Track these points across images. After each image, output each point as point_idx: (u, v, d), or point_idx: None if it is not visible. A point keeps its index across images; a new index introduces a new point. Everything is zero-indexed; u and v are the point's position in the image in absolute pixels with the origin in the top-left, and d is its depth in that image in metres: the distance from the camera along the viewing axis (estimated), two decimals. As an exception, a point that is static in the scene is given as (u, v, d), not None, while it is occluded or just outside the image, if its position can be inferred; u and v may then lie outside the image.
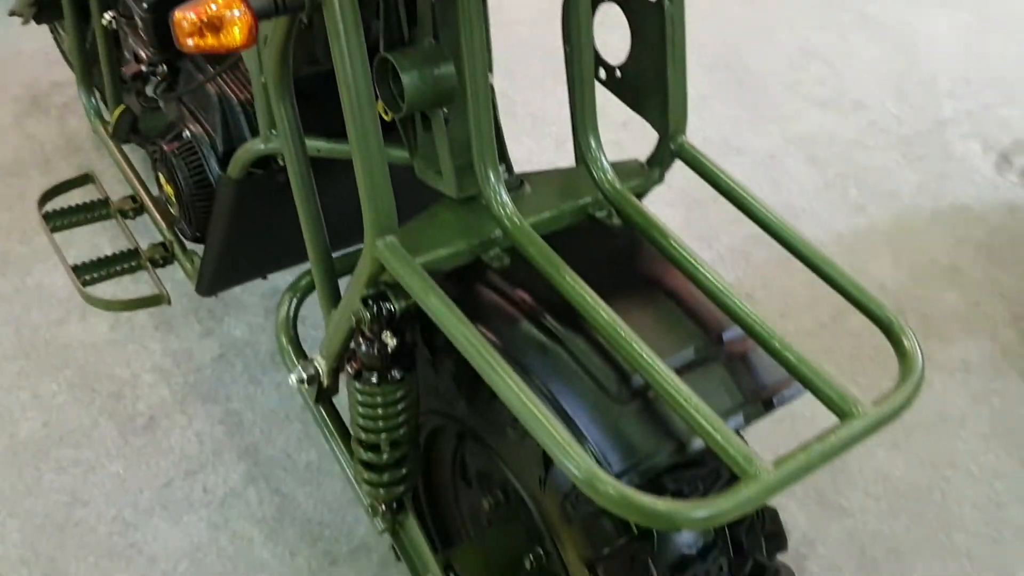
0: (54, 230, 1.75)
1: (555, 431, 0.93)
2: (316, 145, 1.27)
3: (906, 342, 1.05)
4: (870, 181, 2.69)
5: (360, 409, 1.20)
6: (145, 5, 1.55)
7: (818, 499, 1.90)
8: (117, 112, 1.76)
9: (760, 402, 1.07)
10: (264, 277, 1.71)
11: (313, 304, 1.40)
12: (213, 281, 1.59)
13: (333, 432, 1.37)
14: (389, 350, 1.14)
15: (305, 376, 1.32)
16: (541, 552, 1.33)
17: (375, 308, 1.12)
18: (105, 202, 1.77)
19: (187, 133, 1.58)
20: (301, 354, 1.42)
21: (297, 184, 1.19)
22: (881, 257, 2.44)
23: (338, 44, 0.96)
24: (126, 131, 1.75)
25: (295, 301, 1.44)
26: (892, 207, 2.61)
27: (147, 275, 1.71)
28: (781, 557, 1.19)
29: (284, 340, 1.42)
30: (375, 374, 1.16)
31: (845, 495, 1.91)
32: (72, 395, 2.00)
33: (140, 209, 1.77)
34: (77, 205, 1.78)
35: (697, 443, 1.02)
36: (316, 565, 1.76)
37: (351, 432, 1.25)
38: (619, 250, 1.21)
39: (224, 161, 1.55)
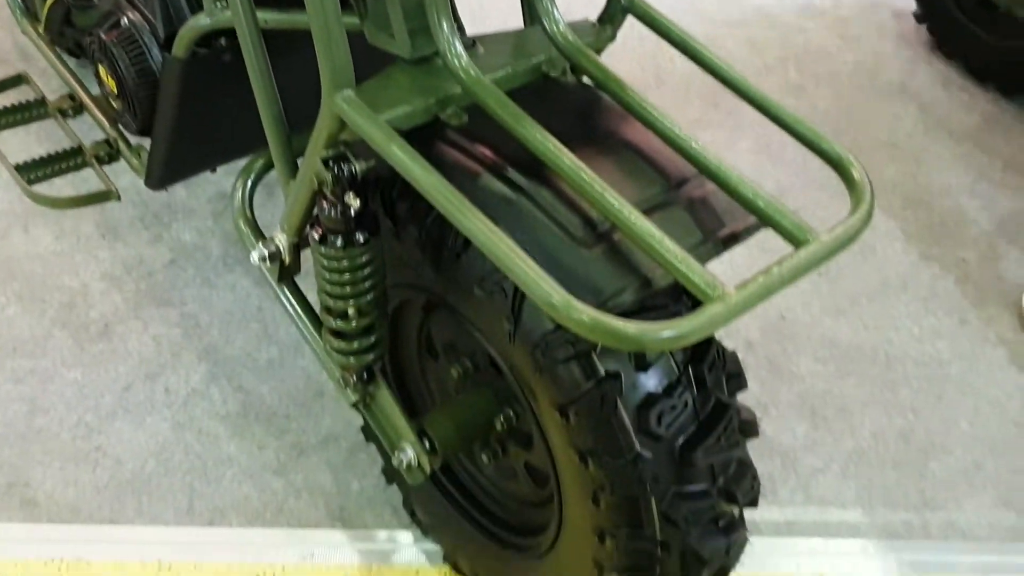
0: (-8, 129, 1.70)
1: (527, 266, 0.95)
2: (265, 16, 1.25)
3: (855, 174, 1.09)
4: (809, 63, 2.73)
5: (327, 275, 1.20)
6: None
7: (769, 367, 1.97)
8: (48, 4, 1.70)
9: (720, 239, 1.10)
10: (213, 170, 1.69)
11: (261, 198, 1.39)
12: (163, 173, 1.57)
13: (299, 311, 1.37)
14: (353, 212, 1.14)
15: (267, 253, 1.32)
16: (512, 413, 1.36)
17: (336, 169, 1.11)
18: (42, 102, 1.73)
19: (125, 21, 1.54)
20: (260, 235, 1.41)
21: (250, 55, 1.17)
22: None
23: None
24: (59, 25, 1.70)
25: (250, 183, 1.43)
26: (831, 87, 2.66)
27: (93, 174, 1.68)
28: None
29: (242, 224, 1.41)
30: (340, 237, 1.17)
31: (794, 361, 1.98)
32: (22, 307, 1.97)
33: (79, 108, 1.72)
34: (12, 106, 1.73)
35: (662, 279, 1.05)
36: (284, 456, 1.78)
37: (319, 301, 1.26)
38: (576, 105, 1.22)
39: (167, 47, 1.52)
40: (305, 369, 1.90)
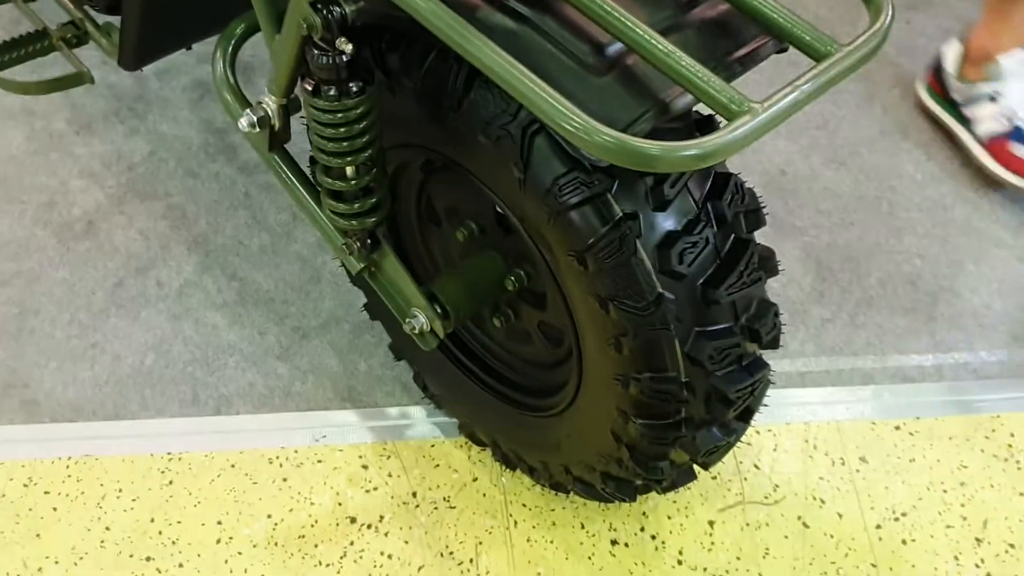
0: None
1: (544, 91, 0.90)
2: None
3: (876, -17, 1.03)
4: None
5: (323, 131, 1.14)
6: None
7: (772, 223, 1.93)
8: None
9: (739, 59, 1.05)
10: (189, 47, 1.60)
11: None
12: (137, 51, 1.48)
13: (293, 179, 1.31)
14: (345, 58, 1.07)
15: (255, 118, 1.25)
16: (523, 272, 1.32)
17: (326, 11, 1.04)
18: (42, 32, 1.62)
19: None
20: (247, 103, 1.34)
21: None
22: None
23: None
24: None
25: (230, 49, 1.35)
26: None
27: (61, 59, 1.59)
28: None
29: (226, 93, 1.34)
30: (333, 87, 1.10)
31: (797, 215, 1.95)
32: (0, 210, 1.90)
33: (84, 35, 1.62)
34: (6, 43, 1.62)
35: (681, 100, 1.00)
36: (287, 341, 1.74)
37: (317, 161, 1.20)
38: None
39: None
40: (299, 254, 1.85)
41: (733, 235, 1.13)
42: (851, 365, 1.73)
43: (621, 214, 1.06)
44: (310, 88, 1.11)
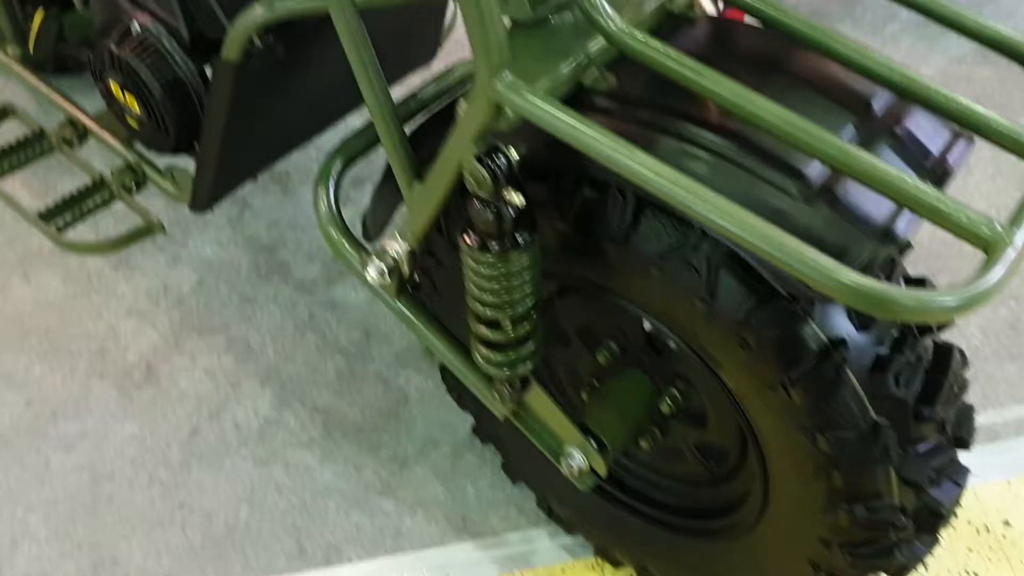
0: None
1: (765, 228, 0.81)
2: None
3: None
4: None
5: (484, 283, 1.05)
6: None
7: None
8: (36, 22, 1.46)
9: (941, 166, 0.98)
10: (255, 178, 1.49)
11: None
12: (213, 190, 1.37)
13: (425, 325, 1.21)
14: (515, 211, 0.98)
15: (386, 267, 1.16)
16: (676, 392, 1.23)
17: (492, 163, 0.95)
18: (40, 135, 1.50)
19: (136, 27, 1.33)
20: (358, 244, 1.24)
21: (352, 43, 1.00)
22: None
23: None
24: (51, 44, 1.47)
25: (332, 187, 1.25)
26: None
27: (124, 206, 1.47)
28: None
29: (334, 232, 1.24)
30: (499, 241, 1.01)
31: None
32: (48, 365, 1.76)
33: (84, 134, 1.50)
34: (8, 146, 1.49)
35: (903, 226, 0.92)
36: (386, 473, 1.63)
37: (471, 310, 1.10)
38: (727, 41, 1.08)
39: (193, 49, 1.32)
40: (379, 374, 1.74)
41: (933, 343, 1.06)
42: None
43: (828, 342, 0.98)
44: (474, 244, 1.01)
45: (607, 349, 1.26)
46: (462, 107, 0.96)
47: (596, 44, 1.01)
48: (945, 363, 1.04)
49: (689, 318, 1.04)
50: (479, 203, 0.99)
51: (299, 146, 1.46)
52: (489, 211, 0.98)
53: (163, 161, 1.51)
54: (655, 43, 0.95)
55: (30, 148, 1.49)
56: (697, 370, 1.15)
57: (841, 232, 0.91)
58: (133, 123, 1.41)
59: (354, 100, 1.52)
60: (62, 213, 1.44)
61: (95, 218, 1.57)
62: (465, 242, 1.02)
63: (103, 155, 1.52)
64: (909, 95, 0.98)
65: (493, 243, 1.01)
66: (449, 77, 1.39)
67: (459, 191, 1.02)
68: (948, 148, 0.99)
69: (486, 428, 1.50)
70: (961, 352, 1.10)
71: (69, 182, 1.54)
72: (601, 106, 1.01)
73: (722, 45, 1.07)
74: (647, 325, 1.21)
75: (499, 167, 0.96)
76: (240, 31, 1.15)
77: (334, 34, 1.22)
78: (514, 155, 0.97)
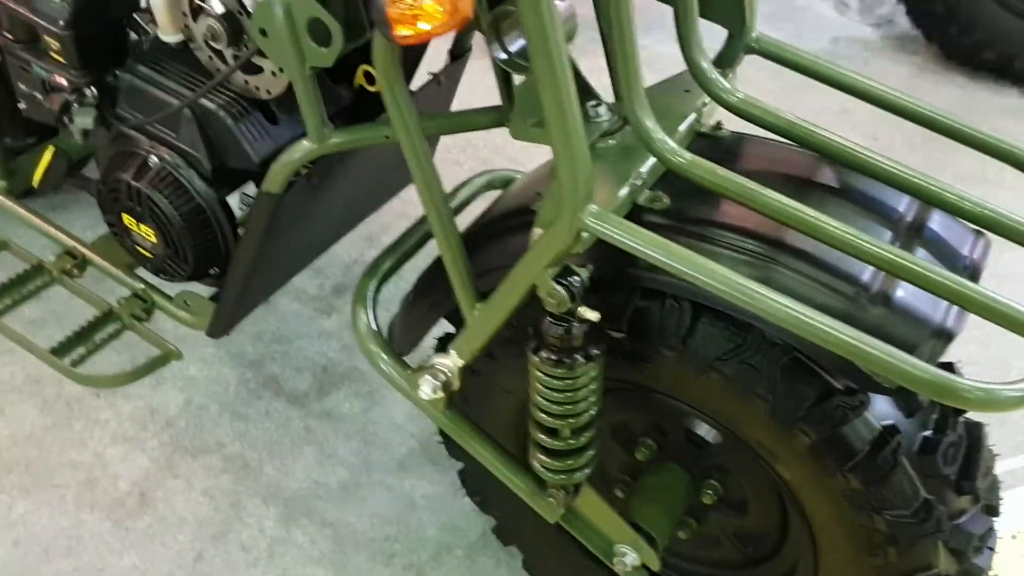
0: (1, 313, 1.43)
1: (856, 335, 0.89)
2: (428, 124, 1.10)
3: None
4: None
5: (551, 395, 1.09)
6: (61, 23, 1.27)
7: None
8: (47, 157, 1.45)
9: (969, 267, 1.08)
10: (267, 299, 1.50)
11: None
12: (235, 314, 1.38)
13: (474, 438, 1.24)
14: (589, 326, 1.03)
15: (440, 383, 1.18)
16: (716, 483, 1.29)
17: (568, 283, 1.01)
18: (39, 268, 1.47)
19: (154, 160, 1.33)
20: (403, 361, 1.27)
21: (417, 164, 1.04)
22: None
23: (539, 22, 0.83)
24: (59, 178, 1.45)
25: (370, 304, 1.28)
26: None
27: (135, 335, 1.45)
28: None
29: (377, 348, 1.26)
30: (570, 355, 1.05)
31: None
32: (33, 500, 1.69)
33: (83, 264, 1.48)
34: (8, 281, 1.45)
35: (952, 321, 1.01)
36: (403, 582, 1.62)
37: (534, 419, 1.13)
38: (755, 155, 1.16)
39: (213, 180, 1.33)
40: (383, 482, 1.74)
41: (965, 420, 1.15)
42: None
43: (882, 429, 1.06)
44: (550, 359, 1.06)
45: (645, 446, 1.30)
46: (536, 234, 1.01)
47: (647, 165, 1.08)
48: (979, 439, 1.14)
49: (746, 415, 1.11)
50: (553, 320, 1.03)
51: (310, 262, 1.48)
52: (564, 328, 1.03)
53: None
54: (703, 162, 1.03)
55: (31, 282, 1.46)
56: (742, 461, 1.21)
57: (904, 329, 0.99)
58: (145, 253, 1.41)
59: (366, 211, 1.56)
60: (74, 347, 1.41)
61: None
62: (537, 357, 1.06)
63: (105, 282, 1.50)
64: (926, 198, 1.08)
65: (566, 357, 1.05)
66: (472, 186, 1.45)
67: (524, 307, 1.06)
68: (973, 247, 1.09)
69: (510, 530, 1.52)
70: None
71: (69, 310, 1.49)
72: (659, 223, 1.08)
73: (754, 160, 1.16)
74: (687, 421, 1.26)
75: (575, 286, 1.01)
76: (287, 165, 1.18)
77: (358, 155, 1.27)
78: (585, 274, 1.02)
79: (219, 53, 1.26)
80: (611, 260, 1.07)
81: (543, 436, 1.14)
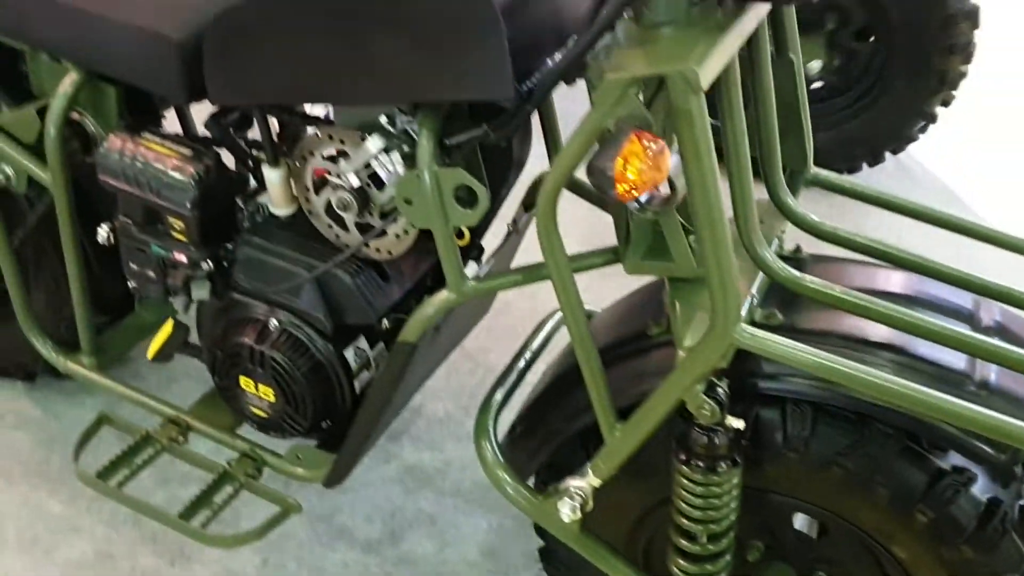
0: (120, 486, 1.47)
1: (998, 416, 1.04)
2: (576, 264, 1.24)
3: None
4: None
5: (695, 500, 1.20)
6: (188, 204, 1.39)
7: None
8: (167, 330, 1.52)
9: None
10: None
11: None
12: (352, 463, 1.46)
13: (609, 552, 1.33)
14: (736, 434, 1.16)
15: (578, 505, 1.28)
16: (823, 574, 1.40)
17: (715, 395, 1.14)
18: (147, 438, 1.52)
19: (274, 323, 1.43)
20: (532, 488, 1.36)
21: (566, 299, 1.17)
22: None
23: (698, 164, 0.99)
24: (176, 349, 1.53)
25: (491, 430, 1.38)
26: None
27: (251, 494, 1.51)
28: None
29: (502, 473, 1.36)
30: (716, 463, 1.18)
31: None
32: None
33: (187, 429, 1.55)
34: (118, 456, 1.50)
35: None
36: None
37: (677, 524, 1.24)
38: (838, 272, 1.33)
39: (334, 336, 1.43)
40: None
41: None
42: None
43: (987, 501, 1.20)
44: (696, 467, 1.17)
45: (755, 548, 1.41)
46: (680, 355, 1.14)
47: (756, 284, 1.23)
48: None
49: (866, 503, 1.23)
50: (700, 431, 1.16)
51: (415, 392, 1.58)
52: (712, 437, 1.15)
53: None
54: (814, 279, 1.20)
55: (140, 453, 1.51)
56: (850, 549, 1.32)
57: (1004, 405, 1.15)
58: (260, 412, 1.48)
59: (453, 347, 1.67)
60: (199, 510, 1.46)
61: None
62: (686, 466, 1.18)
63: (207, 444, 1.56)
64: (991, 295, 1.26)
65: (713, 465, 1.17)
66: (545, 328, 1.58)
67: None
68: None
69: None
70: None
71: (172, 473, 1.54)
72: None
73: (838, 274, 1.32)
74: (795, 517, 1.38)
75: (721, 398, 1.14)
76: (428, 317, 1.29)
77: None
78: (725, 385, 1.15)
79: (339, 221, 1.39)
80: (730, 372, 1.20)
81: (686, 542, 1.25)
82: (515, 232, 1.62)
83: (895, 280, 1.30)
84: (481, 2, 1.07)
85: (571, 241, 1.16)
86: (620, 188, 0.93)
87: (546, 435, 1.40)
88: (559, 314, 1.64)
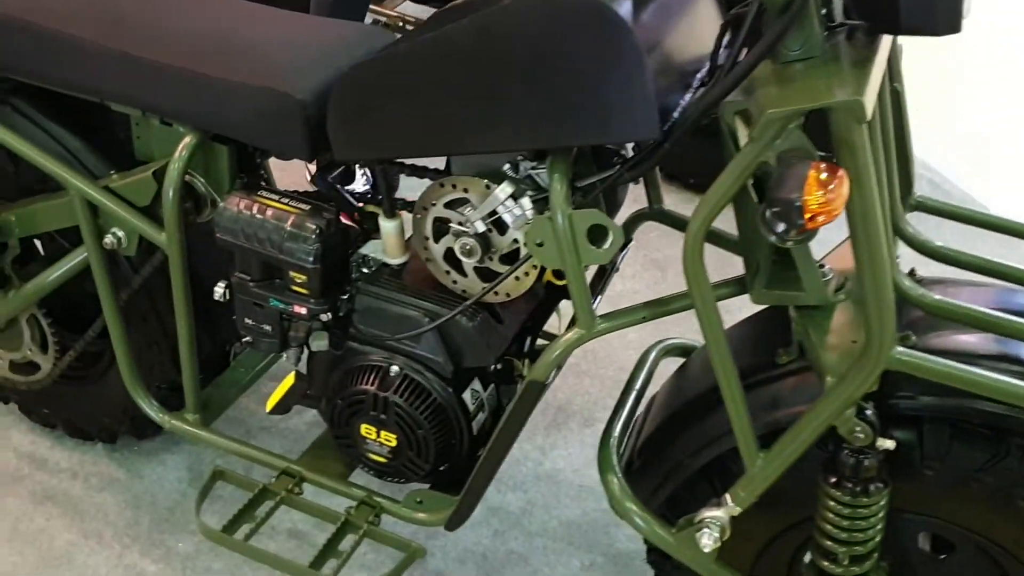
0: (247, 539, 1.48)
1: None
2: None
3: None
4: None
5: (842, 522, 1.23)
6: (311, 259, 1.41)
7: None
8: (288, 382, 1.54)
9: None
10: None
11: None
12: (474, 504, 1.47)
13: (745, 578, 1.35)
14: (886, 455, 1.19)
15: (716, 534, 1.30)
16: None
17: (867, 417, 1.17)
18: (263, 492, 1.53)
19: (395, 369, 1.45)
20: (664, 520, 1.38)
21: (712, 333, 1.20)
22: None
23: (861, 192, 1.03)
24: (295, 401, 1.54)
25: (619, 471, 1.40)
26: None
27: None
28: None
29: (637, 509, 1.37)
30: (869, 485, 1.20)
31: None
32: None
33: (301, 480, 1.56)
34: (239, 513, 1.51)
35: None
36: None
37: (823, 550, 1.26)
38: (961, 291, 1.36)
39: (452, 380, 1.46)
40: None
41: None
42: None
43: None
44: (848, 489, 1.20)
45: (881, 569, 1.43)
46: (829, 381, 1.17)
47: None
48: None
49: (1002, 518, 1.26)
50: (850, 454, 1.18)
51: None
52: (861, 460, 1.18)
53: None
54: (948, 300, 1.23)
55: (261, 505, 1.52)
56: (980, 565, 1.35)
57: None
58: (379, 459, 1.50)
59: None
60: (327, 559, 1.46)
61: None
62: (837, 490, 1.20)
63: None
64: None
65: (865, 487, 1.20)
66: (647, 362, 1.61)
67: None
68: None
69: None
70: None
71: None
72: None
73: (958, 293, 1.35)
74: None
75: (872, 420, 1.17)
76: (558, 356, 1.31)
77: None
78: (869, 408, 1.18)
79: (456, 267, 1.42)
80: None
81: (819, 560, 1.27)
82: (613, 269, 1.66)
83: (1019, 299, 1.34)
84: (626, 41, 1.11)
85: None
86: (807, 218, 0.96)
87: (671, 469, 1.42)
88: (659, 347, 1.67)
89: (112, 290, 1.60)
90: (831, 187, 0.96)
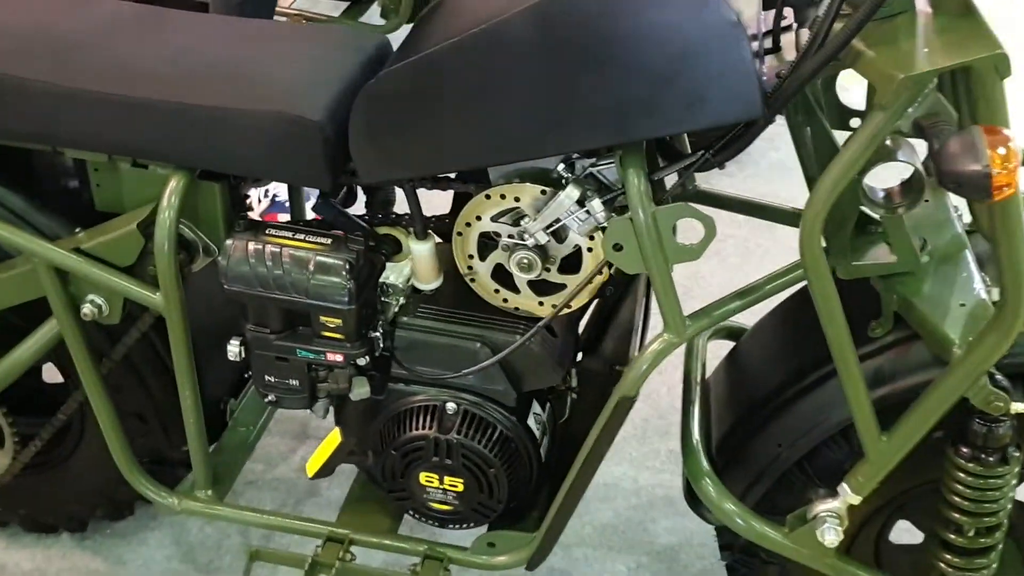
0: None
1: None
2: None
3: None
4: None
5: (976, 494, 1.17)
6: (346, 299, 1.24)
7: None
8: (330, 443, 1.35)
9: None
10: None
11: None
12: (556, 537, 1.34)
13: (867, 573, 1.28)
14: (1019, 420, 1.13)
15: (834, 528, 1.23)
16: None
17: (1001, 385, 1.11)
18: (316, 564, 1.35)
19: (451, 406, 1.31)
20: (761, 517, 1.29)
21: (835, 332, 1.12)
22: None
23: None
24: (339, 462, 1.36)
25: (712, 470, 1.31)
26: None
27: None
28: None
29: (735, 508, 1.29)
30: (1004, 452, 1.14)
31: None
32: None
33: (349, 544, 1.39)
34: (292, 589, 1.33)
35: None
36: None
37: (950, 524, 1.20)
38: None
39: (517, 407, 1.32)
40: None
41: None
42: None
43: None
44: (982, 459, 1.14)
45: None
46: (956, 352, 1.10)
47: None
48: None
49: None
50: (983, 421, 1.12)
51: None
52: (993, 428, 1.12)
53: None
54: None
55: (314, 577, 1.35)
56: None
57: None
58: (444, 507, 1.35)
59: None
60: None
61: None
62: (971, 461, 1.14)
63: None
64: None
65: (999, 455, 1.14)
66: (697, 355, 1.51)
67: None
68: None
69: None
70: None
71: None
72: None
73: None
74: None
75: (1006, 386, 1.11)
76: (645, 369, 1.20)
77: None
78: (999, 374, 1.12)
79: (506, 284, 1.28)
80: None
81: (944, 532, 1.21)
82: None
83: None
84: (723, 10, 1.00)
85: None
86: (995, 184, 0.87)
87: (767, 464, 1.33)
88: (704, 332, 1.57)
89: (93, 365, 1.38)
90: (1004, 151, 0.88)
